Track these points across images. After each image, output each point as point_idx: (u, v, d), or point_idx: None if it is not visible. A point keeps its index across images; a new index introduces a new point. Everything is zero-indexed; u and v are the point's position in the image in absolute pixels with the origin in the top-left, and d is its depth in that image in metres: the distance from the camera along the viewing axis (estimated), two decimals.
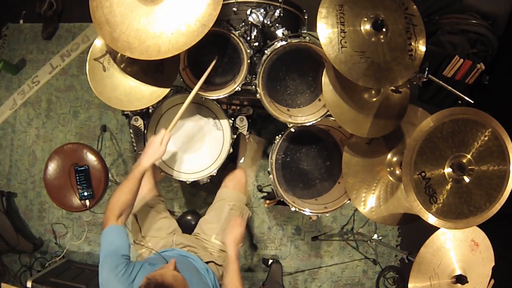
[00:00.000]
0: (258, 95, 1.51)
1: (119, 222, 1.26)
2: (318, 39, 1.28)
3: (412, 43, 1.30)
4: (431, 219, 1.24)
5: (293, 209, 1.62)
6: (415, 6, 1.33)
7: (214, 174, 1.67)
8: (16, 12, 2.72)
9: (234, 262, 1.37)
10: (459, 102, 1.54)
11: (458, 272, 1.39)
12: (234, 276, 1.34)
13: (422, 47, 1.31)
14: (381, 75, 1.28)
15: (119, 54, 1.46)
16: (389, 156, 1.52)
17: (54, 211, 2.56)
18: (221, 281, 1.50)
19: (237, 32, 1.47)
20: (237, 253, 1.40)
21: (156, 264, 1.22)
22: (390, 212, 1.47)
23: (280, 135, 1.66)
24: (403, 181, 1.25)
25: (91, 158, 1.89)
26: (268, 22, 1.53)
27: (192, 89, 1.54)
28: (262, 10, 1.51)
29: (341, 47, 1.25)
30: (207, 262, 1.47)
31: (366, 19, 1.28)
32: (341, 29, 1.26)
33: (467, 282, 1.36)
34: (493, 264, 1.47)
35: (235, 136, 1.79)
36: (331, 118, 1.54)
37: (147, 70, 1.47)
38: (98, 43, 1.48)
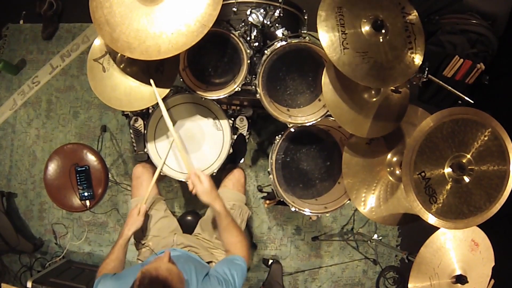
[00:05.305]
0: (258, 95, 1.51)
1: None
2: (318, 39, 1.28)
3: (412, 41, 1.31)
4: (431, 219, 1.24)
5: (293, 209, 1.62)
6: (411, 6, 1.33)
7: (214, 174, 1.67)
8: (16, 12, 2.72)
9: (226, 216, 1.36)
10: (459, 102, 1.54)
11: (458, 272, 1.39)
12: (231, 228, 1.35)
13: (421, 47, 1.31)
14: (385, 74, 1.28)
15: (119, 54, 1.46)
16: (389, 156, 1.51)
17: (54, 212, 2.56)
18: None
19: (237, 32, 1.47)
20: (223, 206, 1.37)
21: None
22: (390, 212, 1.47)
23: (280, 135, 1.65)
24: (403, 181, 1.25)
25: (91, 158, 1.89)
26: (268, 22, 1.53)
27: (192, 90, 1.55)
28: (262, 10, 1.51)
29: (343, 49, 1.25)
30: (208, 262, 1.47)
31: (365, 20, 1.29)
32: (342, 31, 1.26)
33: (467, 282, 1.36)
34: (493, 264, 1.47)
35: (235, 136, 1.79)
36: (331, 118, 1.54)
37: (147, 70, 1.46)
38: (97, 43, 1.48)
